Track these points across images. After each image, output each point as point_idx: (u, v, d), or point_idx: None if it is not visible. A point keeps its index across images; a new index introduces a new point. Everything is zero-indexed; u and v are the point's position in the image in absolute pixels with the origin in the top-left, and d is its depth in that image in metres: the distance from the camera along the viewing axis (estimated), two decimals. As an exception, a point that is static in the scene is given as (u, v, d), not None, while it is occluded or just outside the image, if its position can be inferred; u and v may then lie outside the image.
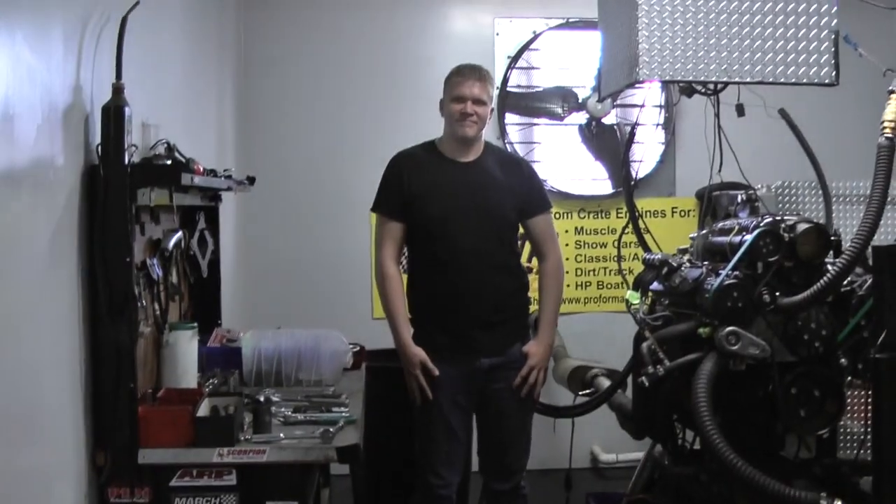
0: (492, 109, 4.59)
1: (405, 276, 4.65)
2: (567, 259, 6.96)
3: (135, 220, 3.42)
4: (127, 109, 3.29)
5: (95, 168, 3.28)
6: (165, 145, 3.73)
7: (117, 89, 3.31)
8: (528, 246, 5.03)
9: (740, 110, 4.06)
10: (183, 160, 3.75)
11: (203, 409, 3.59)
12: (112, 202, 3.26)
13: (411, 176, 4.50)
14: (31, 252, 2.87)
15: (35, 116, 2.89)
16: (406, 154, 4.63)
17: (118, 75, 3.34)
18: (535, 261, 4.92)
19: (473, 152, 4.55)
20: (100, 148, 3.27)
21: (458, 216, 4.44)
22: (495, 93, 4.56)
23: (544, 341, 4.57)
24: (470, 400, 4.52)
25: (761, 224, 3.59)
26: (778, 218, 3.63)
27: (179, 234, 4.19)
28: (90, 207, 3.28)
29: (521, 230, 4.68)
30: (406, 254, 4.69)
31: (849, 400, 3.77)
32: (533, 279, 4.79)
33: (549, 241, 4.67)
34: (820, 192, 4.97)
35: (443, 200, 4.46)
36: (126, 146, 3.27)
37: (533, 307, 4.72)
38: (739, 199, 4.09)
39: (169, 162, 3.60)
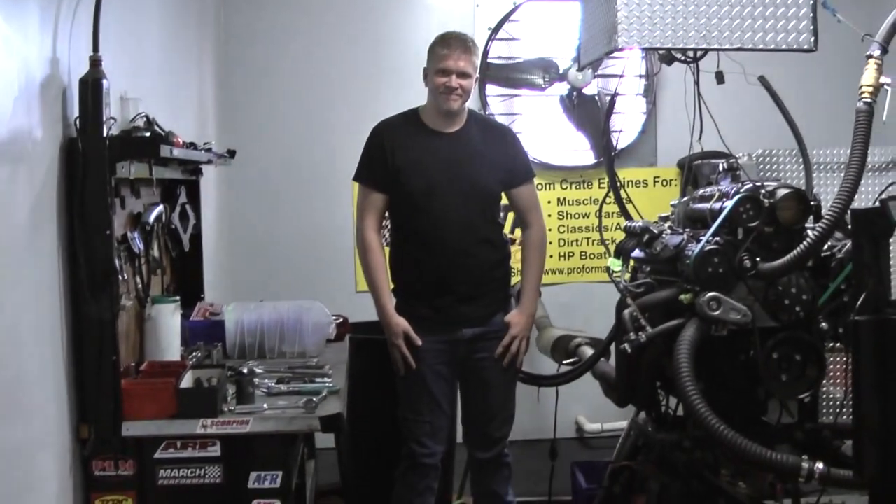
0: (477, 79, 4.56)
1: (387, 248, 4.64)
2: (550, 230, 6.92)
3: (114, 193, 3.43)
4: (105, 82, 3.28)
5: (74, 141, 3.27)
6: (144, 119, 3.74)
7: (94, 62, 3.30)
8: (510, 216, 5.03)
9: (720, 78, 4.06)
10: (162, 133, 3.75)
11: (186, 382, 3.60)
12: (91, 175, 3.26)
13: (395, 147, 4.48)
14: (10, 226, 2.86)
15: (12, 88, 2.88)
16: (388, 124, 4.60)
17: (95, 47, 3.33)
18: (517, 232, 4.92)
19: (457, 122, 4.53)
20: (78, 121, 3.26)
21: (441, 189, 4.42)
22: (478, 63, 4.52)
23: (526, 310, 4.58)
24: (453, 370, 4.54)
25: (741, 190, 3.59)
26: (758, 184, 3.63)
27: (160, 207, 4.18)
28: (69, 181, 3.27)
29: (505, 200, 4.67)
30: (388, 224, 4.67)
31: (830, 365, 3.79)
32: (516, 250, 4.80)
33: (532, 210, 4.66)
34: (800, 159, 4.98)
35: (426, 173, 4.44)
36: (104, 119, 3.27)
37: (515, 278, 4.73)
38: (721, 167, 4.09)
39: (148, 134, 3.59)
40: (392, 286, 4.58)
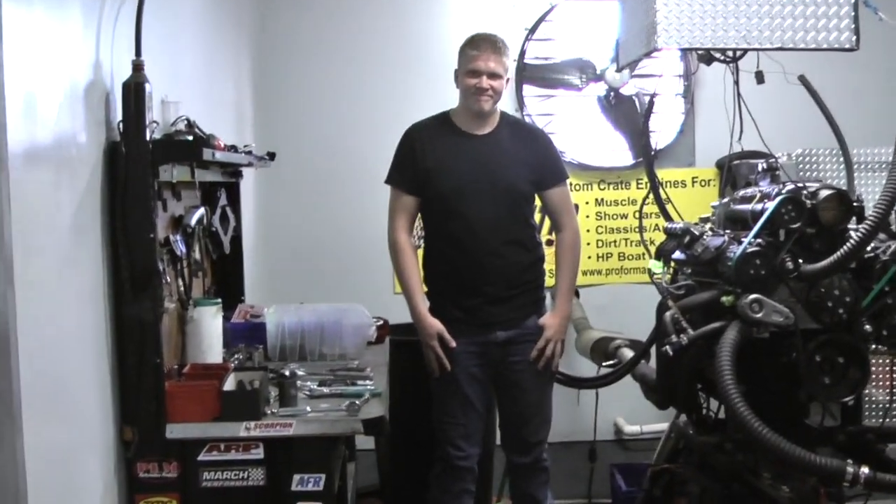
0: (508, 79, 4.54)
1: (420, 249, 4.64)
2: (588, 231, 6.98)
3: (157, 196, 3.45)
4: (147, 86, 3.31)
5: (117, 145, 3.30)
6: (185, 122, 3.75)
7: (137, 66, 3.33)
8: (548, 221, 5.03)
9: (760, 77, 4.03)
10: (204, 136, 3.77)
11: (229, 384, 3.62)
12: (134, 179, 3.28)
13: (425, 149, 4.49)
14: (55, 229, 2.89)
15: (56, 94, 2.91)
16: (419, 126, 4.61)
17: (138, 52, 3.36)
18: (547, 231, 4.92)
19: (489, 125, 4.53)
20: (121, 125, 3.29)
21: (471, 190, 4.42)
22: (512, 64, 4.51)
23: (560, 313, 4.57)
24: (487, 372, 4.53)
25: (783, 191, 3.57)
26: (800, 185, 3.61)
27: (202, 210, 4.20)
28: (112, 184, 3.30)
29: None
30: (420, 226, 4.68)
31: (873, 367, 3.76)
32: (550, 252, 4.78)
33: (565, 212, 4.64)
34: (841, 159, 4.94)
35: (457, 175, 4.45)
36: (147, 122, 3.29)
37: (550, 280, 4.72)
38: (760, 167, 4.07)
39: (190, 138, 3.61)
40: (425, 288, 4.59)
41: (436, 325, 4.45)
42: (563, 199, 4.64)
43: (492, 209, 4.42)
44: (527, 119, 6.81)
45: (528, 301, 4.56)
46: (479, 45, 4.43)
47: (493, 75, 4.40)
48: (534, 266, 4.58)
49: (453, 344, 4.43)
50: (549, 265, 4.70)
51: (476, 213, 4.41)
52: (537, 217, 4.81)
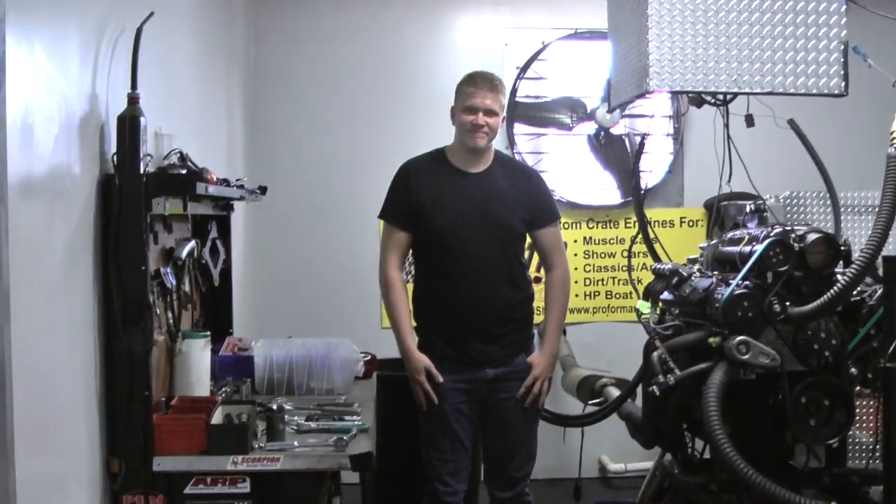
0: (504, 118, 4.58)
1: (410, 285, 4.65)
2: (576, 269, 6.99)
3: (149, 229, 3.45)
4: (142, 119, 3.33)
5: (111, 177, 3.31)
6: (178, 154, 3.77)
7: (133, 99, 3.35)
8: (535, 256, 5.04)
9: (749, 121, 4.08)
10: (197, 169, 3.78)
11: (217, 417, 3.62)
12: (127, 211, 3.30)
13: (419, 185, 4.51)
14: (48, 260, 2.90)
15: (52, 126, 2.92)
16: (414, 162, 4.63)
17: (133, 85, 3.38)
18: (540, 270, 4.93)
19: (483, 162, 4.55)
20: (115, 157, 3.31)
21: (464, 228, 4.44)
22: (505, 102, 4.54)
23: (549, 352, 4.57)
24: (475, 409, 4.53)
25: (771, 234, 3.60)
26: (788, 228, 3.64)
27: (192, 243, 4.21)
28: (105, 216, 3.31)
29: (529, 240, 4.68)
30: (412, 262, 4.70)
31: (858, 410, 3.78)
32: (539, 289, 4.80)
33: (556, 252, 4.66)
34: (828, 202, 4.98)
35: (450, 212, 4.46)
36: (141, 155, 3.30)
37: (538, 317, 4.73)
38: (748, 209, 4.10)
39: (184, 171, 3.63)
40: (415, 324, 4.60)
41: (423, 360, 4.46)
42: (554, 239, 4.67)
43: (484, 247, 4.44)
44: (517, 157, 6.83)
45: (518, 339, 4.56)
46: (477, 82, 4.46)
47: (489, 112, 4.42)
48: (524, 304, 4.59)
49: (440, 379, 4.43)
50: (537, 302, 4.71)
51: (468, 250, 4.42)
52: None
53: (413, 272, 4.71)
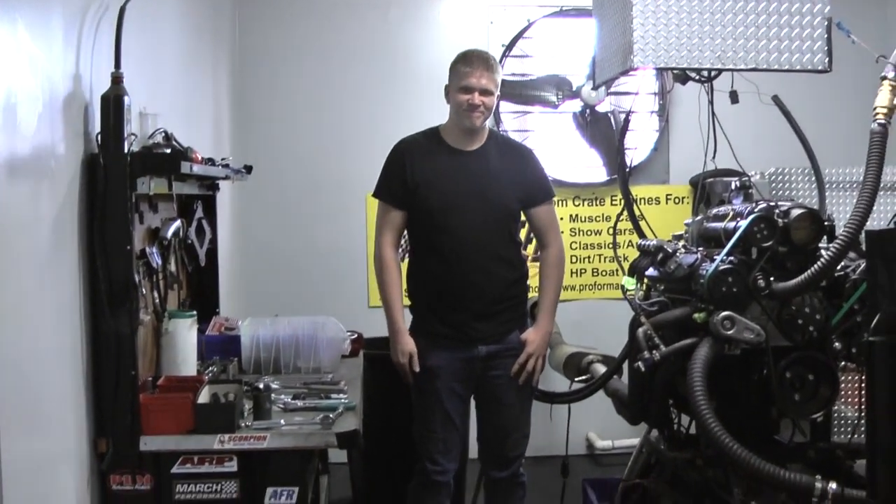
0: (498, 96, 4.57)
1: (405, 263, 4.66)
2: (562, 247, 6.99)
3: (134, 208, 3.44)
4: (126, 98, 3.32)
5: (95, 157, 3.31)
6: (163, 134, 3.76)
7: (116, 78, 3.34)
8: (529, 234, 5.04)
9: (734, 97, 4.08)
10: (181, 149, 3.77)
11: (203, 397, 3.63)
12: (112, 191, 3.30)
13: (414, 164, 4.50)
14: (33, 240, 2.89)
15: (36, 105, 2.92)
16: (409, 141, 4.62)
17: (117, 64, 3.37)
18: (529, 248, 4.93)
19: (477, 141, 4.55)
20: (99, 137, 3.30)
21: (459, 206, 4.44)
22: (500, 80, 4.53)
23: (543, 329, 4.58)
24: (467, 387, 4.55)
25: (756, 210, 3.60)
26: (772, 204, 3.65)
27: (178, 222, 4.21)
28: (90, 196, 3.31)
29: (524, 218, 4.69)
30: (406, 240, 4.70)
31: (843, 384, 3.79)
32: (532, 266, 4.80)
33: (551, 230, 4.66)
34: (813, 178, 4.99)
35: (444, 190, 4.47)
36: (125, 135, 3.30)
37: (532, 293, 4.74)
38: (733, 185, 4.10)
39: (168, 151, 3.62)
40: (409, 302, 4.61)
41: (410, 345, 4.47)
42: (549, 217, 4.67)
43: (479, 225, 4.45)
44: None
45: (512, 317, 4.57)
46: (472, 62, 4.45)
47: (485, 92, 4.42)
48: (518, 282, 4.61)
49: (417, 369, 4.46)
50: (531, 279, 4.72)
51: (463, 229, 4.43)
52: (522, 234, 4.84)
53: (408, 250, 4.71)
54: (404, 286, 4.64)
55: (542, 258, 4.68)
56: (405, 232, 4.64)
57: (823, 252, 3.43)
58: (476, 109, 4.41)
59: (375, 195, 4.61)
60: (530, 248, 5.02)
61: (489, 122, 4.59)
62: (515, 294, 4.59)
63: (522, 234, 4.91)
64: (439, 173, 4.49)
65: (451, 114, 4.54)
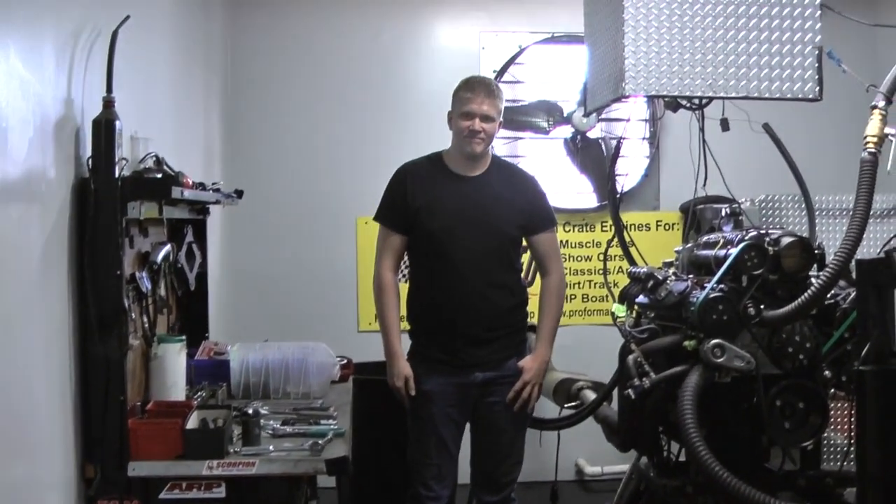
0: (500, 123, 4.57)
1: (406, 286, 4.65)
2: (552, 272, 6.99)
3: (125, 233, 3.44)
4: (118, 123, 3.32)
5: (86, 181, 3.30)
6: (154, 158, 3.76)
7: (108, 103, 3.34)
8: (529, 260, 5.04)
9: (725, 125, 4.09)
10: (172, 173, 3.77)
11: (192, 422, 3.61)
12: (102, 215, 3.29)
13: (416, 188, 4.51)
14: (23, 264, 2.89)
15: (27, 129, 2.91)
16: (411, 165, 4.63)
17: (109, 89, 3.37)
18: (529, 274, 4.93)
19: (480, 167, 4.55)
20: (90, 161, 3.29)
21: (459, 232, 4.44)
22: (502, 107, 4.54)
23: (540, 357, 4.57)
24: (463, 413, 4.54)
25: (746, 237, 3.61)
26: (762, 231, 3.66)
27: (168, 247, 4.20)
28: (80, 220, 3.30)
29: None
30: (407, 264, 4.70)
31: (832, 412, 3.80)
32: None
33: (552, 258, 4.66)
34: (803, 205, 5.00)
35: (445, 216, 4.47)
36: (116, 159, 3.29)
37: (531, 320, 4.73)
38: (723, 212, 4.12)
39: (159, 175, 3.61)
40: (406, 326, 4.61)
41: (406, 369, 4.47)
42: (550, 245, 4.67)
43: (479, 251, 4.45)
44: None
45: (510, 343, 4.57)
46: (474, 88, 4.47)
47: (486, 118, 4.42)
48: (517, 309, 4.60)
49: (413, 392, 4.45)
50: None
51: (463, 254, 4.43)
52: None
53: (408, 275, 4.71)
54: (403, 310, 4.63)
55: (543, 286, 4.68)
56: (405, 256, 4.63)
57: (814, 280, 3.43)
58: (477, 136, 4.42)
59: (376, 219, 4.61)
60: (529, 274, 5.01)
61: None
62: (514, 321, 4.59)
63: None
64: (440, 198, 4.49)
65: (454, 140, 4.55)
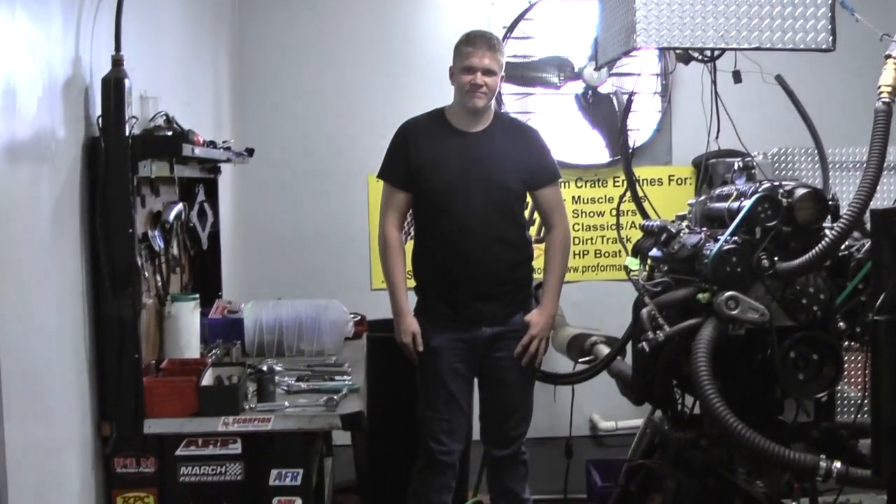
0: (502, 77, 4.55)
1: (410, 243, 4.65)
2: (565, 228, 6.99)
3: (136, 192, 3.44)
4: (127, 81, 3.30)
5: (96, 140, 3.30)
6: (164, 117, 3.75)
7: (117, 61, 3.32)
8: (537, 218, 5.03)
9: (737, 77, 4.06)
10: (183, 132, 3.76)
11: (207, 379, 3.62)
12: (113, 174, 3.28)
13: (418, 145, 4.50)
14: (35, 225, 2.88)
15: (35, 89, 2.90)
16: (413, 123, 4.61)
17: (117, 47, 3.36)
18: (532, 229, 4.92)
19: (482, 122, 4.53)
20: (100, 120, 3.29)
21: (462, 188, 4.43)
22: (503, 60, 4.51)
23: (547, 311, 4.57)
24: (471, 368, 4.55)
25: (759, 189, 3.59)
26: (776, 183, 3.63)
27: (180, 206, 4.19)
28: (91, 180, 3.30)
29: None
30: (410, 221, 4.69)
31: (847, 364, 3.79)
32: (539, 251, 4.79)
33: (556, 212, 4.65)
34: (817, 158, 4.97)
35: (448, 172, 4.46)
36: (126, 118, 3.28)
37: (537, 276, 4.73)
38: (736, 166, 4.10)
39: (169, 133, 3.60)
40: (412, 283, 4.60)
41: (413, 325, 4.48)
42: (554, 199, 4.66)
43: (483, 207, 4.43)
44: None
45: (516, 299, 4.57)
46: (475, 42, 4.44)
47: (488, 72, 4.40)
48: (522, 264, 4.60)
49: (421, 348, 4.47)
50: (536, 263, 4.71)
51: (467, 210, 4.42)
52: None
53: (412, 232, 4.71)
54: (408, 267, 4.63)
55: (548, 240, 4.67)
56: (410, 213, 4.62)
57: (828, 232, 3.42)
58: (479, 90, 4.39)
59: (380, 176, 4.60)
60: (533, 230, 4.99)
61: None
62: (519, 276, 4.58)
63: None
64: (443, 155, 4.47)
65: (455, 95, 4.53)
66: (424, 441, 4.56)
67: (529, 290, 4.66)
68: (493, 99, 4.55)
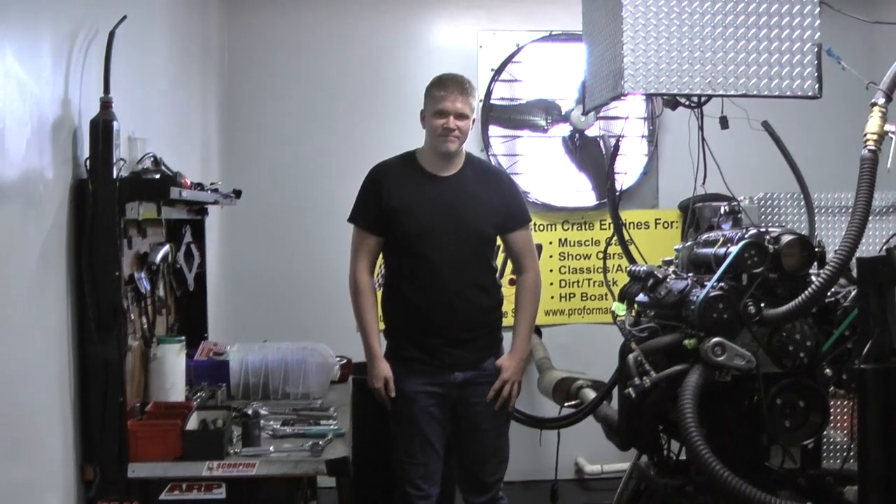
0: (474, 120, 4.55)
1: (381, 289, 4.64)
2: (551, 271, 7.00)
3: (123, 234, 3.43)
4: (115, 124, 3.31)
5: (84, 182, 3.30)
6: (152, 159, 3.74)
7: (105, 103, 3.33)
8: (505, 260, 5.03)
9: (724, 123, 4.08)
10: (170, 174, 3.76)
11: (192, 423, 3.60)
12: (101, 216, 3.28)
13: (390, 189, 4.48)
14: (21, 266, 2.88)
15: (24, 130, 2.91)
16: (385, 166, 4.61)
17: (106, 89, 3.36)
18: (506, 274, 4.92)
19: (454, 166, 4.53)
20: (88, 162, 3.29)
21: (434, 233, 4.43)
22: (478, 105, 4.51)
23: (518, 355, 4.57)
24: (446, 412, 4.52)
25: (746, 236, 3.60)
26: (762, 230, 3.64)
27: (167, 247, 4.19)
28: (79, 221, 3.29)
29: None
30: (382, 266, 4.68)
31: (833, 410, 3.79)
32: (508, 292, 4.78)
33: (527, 255, 4.65)
34: (803, 203, 4.99)
35: (420, 216, 4.45)
36: (114, 160, 3.29)
37: (508, 320, 4.72)
38: (722, 210, 4.11)
39: (157, 176, 3.60)
40: (383, 326, 4.59)
41: (385, 370, 4.47)
42: (525, 242, 4.65)
43: (455, 251, 4.43)
44: (492, 160, 6.83)
45: (487, 343, 4.56)
46: (447, 86, 4.44)
47: (460, 116, 4.40)
48: (493, 309, 4.59)
49: (393, 394, 4.45)
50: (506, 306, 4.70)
51: (439, 254, 4.41)
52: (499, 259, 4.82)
53: (382, 277, 4.70)
54: (380, 312, 4.62)
55: (519, 283, 4.67)
56: (381, 257, 4.63)
57: (814, 278, 3.42)
58: (451, 133, 4.40)
59: (351, 220, 4.60)
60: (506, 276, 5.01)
61: (476, 147, 4.58)
62: (491, 321, 4.58)
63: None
64: (416, 199, 4.47)
65: (427, 138, 4.54)
66: (401, 487, 4.52)
67: (500, 335, 4.65)
68: (465, 142, 4.53)
